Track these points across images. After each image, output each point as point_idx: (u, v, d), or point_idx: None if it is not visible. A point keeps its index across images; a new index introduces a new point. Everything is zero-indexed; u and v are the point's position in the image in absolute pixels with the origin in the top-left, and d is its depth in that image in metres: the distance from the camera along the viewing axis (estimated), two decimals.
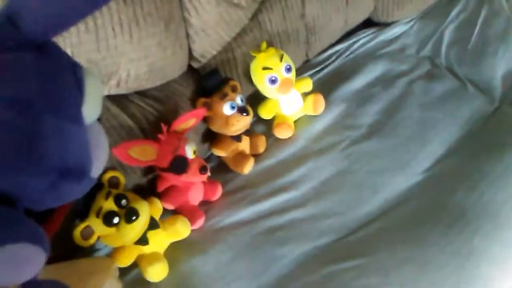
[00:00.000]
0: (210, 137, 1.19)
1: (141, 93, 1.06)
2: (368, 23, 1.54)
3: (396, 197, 1.10)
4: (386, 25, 1.54)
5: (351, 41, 1.49)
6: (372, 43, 1.49)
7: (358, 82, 1.35)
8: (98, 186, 0.95)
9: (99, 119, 0.64)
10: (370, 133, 1.22)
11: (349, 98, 1.32)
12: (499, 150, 1.14)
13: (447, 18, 1.52)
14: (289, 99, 1.21)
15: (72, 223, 0.94)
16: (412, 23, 1.55)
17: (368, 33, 1.52)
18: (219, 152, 1.16)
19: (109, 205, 0.90)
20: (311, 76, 1.38)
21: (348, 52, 1.46)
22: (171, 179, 1.03)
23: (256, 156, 1.20)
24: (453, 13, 1.53)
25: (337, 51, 1.47)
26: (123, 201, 0.92)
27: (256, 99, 1.24)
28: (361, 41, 1.49)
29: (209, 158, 1.24)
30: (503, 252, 0.98)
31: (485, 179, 1.08)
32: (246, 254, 1.02)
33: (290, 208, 1.10)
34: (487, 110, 1.26)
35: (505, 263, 0.98)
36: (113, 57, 0.91)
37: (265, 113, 1.22)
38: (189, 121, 1.04)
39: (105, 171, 0.97)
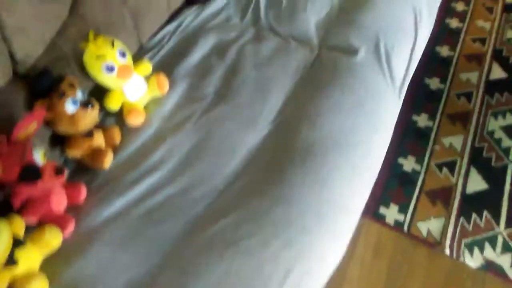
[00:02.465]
0: (60, 140, 1.13)
1: None
2: (191, 2, 1.60)
3: (252, 152, 1.21)
4: (207, 1, 1.62)
5: (179, 21, 1.54)
6: (198, 19, 1.56)
7: (195, 56, 1.42)
8: None
9: None
10: (217, 101, 1.30)
11: (190, 72, 1.37)
12: (326, 88, 1.32)
13: None
14: (132, 85, 1.21)
15: None
16: None
17: (192, 10, 1.59)
18: (74, 152, 1.11)
19: None
20: (148, 59, 1.39)
21: (178, 31, 1.51)
22: (26, 191, 0.96)
23: (114, 149, 1.18)
24: None
25: (168, 31, 1.51)
26: None
27: (99, 93, 1.21)
28: (188, 19, 1.55)
29: (65, 162, 1.17)
30: (350, 171, 1.15)
31: (321, 114, 1.25)
32: (126, 243, 1.02)
33: (159, 188, 1.12)
34: (310, 57, 1.44)
35: (354, 180, 1.15)
36: None
37: (112, 104, 1.20)
38: (30, 126, 0.98)
39: None
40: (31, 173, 0.93)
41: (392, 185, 1.75)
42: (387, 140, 1.30)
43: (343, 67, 1.39)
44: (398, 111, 1.40)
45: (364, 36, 1.47)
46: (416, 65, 1.54)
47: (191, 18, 1.55)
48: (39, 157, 0.95)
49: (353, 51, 1.43)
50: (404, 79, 1.45)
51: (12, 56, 1.04)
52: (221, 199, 1.10)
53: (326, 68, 1.40)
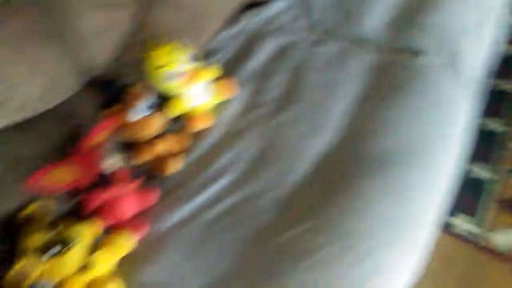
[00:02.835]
0: (127, 147, 1.14)
1: (41, 116, 0.98)
2: (251, 5, 1.59)
3: (320, 158, 1.17)
4: (265, 3, 1.60)
5: (238, 24, 1.52)
6: (259, 22, 1.54)
7: (257, 59, 1.40)
8: (19, 224, 0.87)
9: None
10: (281, 105, 1.27)
11: (253, 76, 1.36)
12: (396, 93, 1.26)
13: None
14: (198, 90, 1.21)
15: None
16: None
17: (252, 13, 1.57)
18: (140, 158, 1.12)
19: (43, 237, 0.83)
20: (211, 62, 1.39)
21: (240, 34, 1.50)
22: (101, 196, 0.98)
23: (180, 153, 1.18)
24: None
25: (230, 34, 1.50)
26: (58, 230, 0.85)
27: (165, 98, 1.21)
28: (248, 22, 1.53)
29: (134, 167, 1.18)
30: (425, 183, 1.09)
31: (391, 121, 1.19)
32: (196, 250, 1.01)
33: (227, 194, 1.11)
34: (375, 61, 1.37)
35: (428, 193, 1.09)
36: (6, 80, 0.83)
37: (178, 109, 1.20)
38: (102, 133, 0.99)
39: (26, 206, 0.89)
40: (105, 180, 0.94)
41: (464, 193, 1.65)
42: (462, 147, 1.22)
43: (411, 71, 1.31)
44: (471, 115, 1.31)
45: (432, 38, 1.39)
46: (487, 67, 1.45)
47: (252, 20, 1.54)
48: (112, 164, 0.96)
49: (421, 54, 1.35)
50: (476, 82, 1.36)
51: (83, 62, 1.06)
52: (290, 207, 1.07)
53: (393, 72, 1.33)
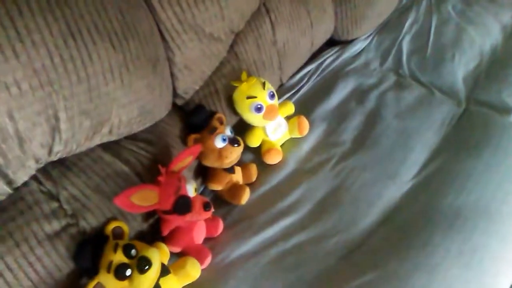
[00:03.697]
0: (202, 172, 1.17)
1: (132, 137, 1.03)
2: (330, 43, 1.60)
3: (391, 207, 1.14)
4: (347, 42, 1.61)
5: (318, 62, 1.54)
6: (338, 61, 1.55)
7: (333, 100, 1.40)
8: (102, 239, 0.91)
9: None
10: (355, 148, 1.27)
11: (328, 116, 1.36)
12: (476, 148, 1.22)
13: (402, 30, 1.62)
14: (274, 124, 1.23)
15: (79, 283, 0.89)
16: (371, 38, 1.63)
17: (332, 52, 1.58)
18: (215, 187, 1.15)
19: (119, 257, 0.86)
20: (287, 99, 1.41)
21: (318, 72, 1.51)
22: (176, 221, 1.00)
23: (250, 185, 1.20)
24: (407, 24, 1.64)
25: (308, 72, 1.51)
26: (133, 251, 0.88)
27: (240, 128, 1.25)
28: (327, 61, 1.55)
29: (202, 193, 1.22)
30: (502, 246, 1.04)
31: (470, 178, 1.15)
32: (259, 285, 1.01)
33: (292, 232, 1.10)
34: (457, 112, 1.35)
35: (505, 256, 1.04)
36: (106, 105, 0.89)
37: (253, 141, 1.23)
38: (186, 159, 1.02)
39: (107, 222, 0.93)
40: (185, 205, 0.96)
41: None
42: None
43: (495, 126, 1.28)
44: None
45: None
46: None
47: (330, 60, 1.55)
48: (191, 190, 0.98)
49: (507, 110, 1.31)
50: None
51: (174, 90, 1.11)
52: (356, 254, 1.05)
53: (475, 125, 1.30)
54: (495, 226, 1.07)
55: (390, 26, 1.66)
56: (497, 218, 1.08)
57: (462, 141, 1.25)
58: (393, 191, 1.17)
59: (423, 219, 1.09)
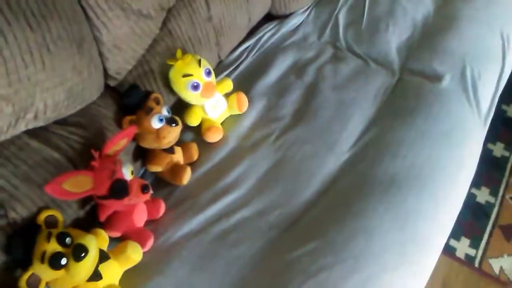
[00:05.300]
0: (141, 154, 1.15)
1: (61, 122, 0.99)
2: (268, 18, 1.59)
3: (330, 177, 1.17)
4: (285, 17, 1.61)
5: (257, 37, 1.53)
6: (276, 36, 1.54)
7: (273, 74, 1.40)
8: (34, 229, 0.87)
9: None
10: (295, 122, 1.28)
11: (268, 91, 1.36)
12: (409, 116, 1.27)
13: (338, 3, 1.64)
14: (213, 102, 1.22)
15: (13, 275, 0.86)
16: (308, 11, 1.63)
17: (270, 27, 1.57)
18: (155, 168, 1.13)
19: (53, 246, 0.83)
20: (226, 75, 1.39)
21: (256, 48, 1.50)
22: (113, 206, 0.98)
23: (191, 164, 1.19)
24: None
25: (246, 48, 1.50)
26: (67, 239, 0.85)
27: (179, 107, 1.22)
28: (266, 35, 1.54)
29: (143, 175, 1.19)
30: (434, 208, 1.10)
31: (403, 145, 1.20)
32: (203, 264, 1.02)
33: (235, 209, 1.11)
34: (391, 82, 1.39)
35: (438, 218, 1.09)
36: (27, 89, 0.84)
37: (192, 120, 1.21)
38: (120, 142, 0.99)
39: (39, 211, 0.90)
40: (122, 189, 0.94)
41: (464, 216, 1.66)
42: (471, 174, 1.24)
43: (426, 94, 1.33)
44: (483, 142, 1.32)
45: (450, 62, 1.40)
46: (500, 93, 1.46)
47: (268, 35, 1.54)
48: (127, 173, 0.96)
49: (438, 78, 1.36)
50: (489, 108, 1.38)
51: (105, 70, 1.07)
52: (298, 225, 1.08)
53: (408, 94, 1.34)
54: (427, 190, 1.12)
55: None
56: (430, 182, 1.13)
57: (396, 110, 1.29)
58: (332, 161, 1.19)
59: (360, 187, 1.13)
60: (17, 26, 0.80)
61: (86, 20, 0.97)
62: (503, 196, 1.73)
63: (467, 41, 1.47)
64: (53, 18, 0.85)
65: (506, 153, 1.85)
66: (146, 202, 1.07)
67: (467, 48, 1.45)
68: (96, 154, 0.93)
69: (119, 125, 1.07)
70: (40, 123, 0.93)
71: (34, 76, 0.84)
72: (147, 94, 1.12)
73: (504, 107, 1.99)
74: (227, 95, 1.27)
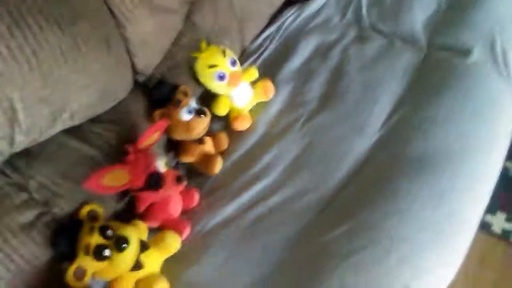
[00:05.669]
0: (172, 146, 1.18)
1: (96, 120, 1.02)
2: (289, 3, 1.58)
3: (360, 160, 1.17)
4: (306, 1, 1.59)
5: (279, 23, 1.52)
6: (298, 20, 1.53)
7: (297, 60, 1.40)
8: (77, 223, 0.91)
9: None
10: (322, 106, 1.28)
11: (293, 77, 1.36)
12: (438, 93, 1.24)
13: None
14: (239, 91, 1.23)
15: (60, 267, 0.90)
16: None
17: (292, 11, 1.56)
18: (187, 159, 1.15)
19: (96, 239, 0.87)
20: (251, 63, 1.40)
21: (279, 34, 1.50)
22: (150, 197, 1.01)
23: (222, 153, 1.21)
24: None
25: (269, 35, 1.50)
26: (109, 232, 0.89)
27: (206, 98, 1.24)
28: (288, 21, 1.53)
29: (176, 166, 1.22)
30: (468, 184, 1.08)
31: (433, 123, 1.18)
32: (239, 250, 1.04)
33: (268, 195, 1.12)
34: (418, 58, 1.37)
35: (473, 194, 1.08)
36: (62, 90, 0.87)
37: (220, 109, 1.23)
38: (153, 135, 1.02)
39: (80, 206, 0.94)
40: (157, 181, 0.97)
41: (499, 190, 1.63)
42: (506, 146, 1.21)
43: (455, 69, 1.30)
44: None
45: (478, 34, 1.37)
46: None
47: (291, 19, 1.53)
48: (162, 165, 0.99)
49: (466, 52, 1.33)
50: None
51: (133, 67, 1.09)
52: (331, 208, 1.09)
53: (436, 70, 1.32)
54: (461, 167, 1.11)
55: None
56: (461, 159, 1.12)
57: (425, 87, 1.27)
58: (361, 144, 1.19)
59: (391, 168, 1.12)
60: (49, 30, 0.83)
61: (113, 19, 0.99)
62: None
63: (494, 13, 1.42)
64: (82, 21, 0.88)
65: None
66: (180, 193, 1.09)
67: (495, 20, 1.40)
68: (130, 149, 0.96)
69: (150, 119, 1.10)
70: (76, 122, 0.97)
71: (68, 77, 0.87)
72: (175, 87, 1.14)
73: None
74: (253, 83, 1.28)
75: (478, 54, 1.33)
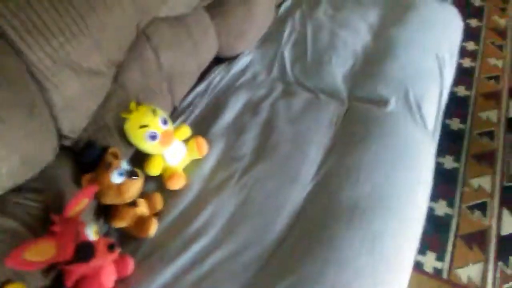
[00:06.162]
0: (104, 211, 1.12)
1: (17, 189, 0.95)
2: (217, 60, 1.63)
3: (297, 210, 1.19)
4: (233, 58, 1.65)
5: (208, 80, 1.56)
6: (227, 78, 1.58)
7: (228, 116, 1.43)
8: None
9: None
10: (255, 159, 1.30)
11: (225, 132, 1.38)
12: (363, 141, 1.32)
13: (282, 41, 1.71)
14: (172, 149, 1.22)
15: None
16: (254, 51, 1.69)
17: (220, 69, 1.61)
18: (119, 224, 1.10)
19: None
20: (182, 121, 1.40)
21: (209, 91, 1.53)
22: (80, 269, 0.94)
23: (157, 215, 1.17)
24: (285, 34, 1.73)
25: (199, 92, 1.52)
26: None
27: (138, 158, 1.21)
28: (217, 78, 1.57)
29: (108, 232, 1.16)
30: (399, 225, 1.14)
31: (361, 170, 1.24)
32: None
33: (207, 254, 1.10)
34: (341, 110, 1.45)
35: (404, 233, 1.13)
36: None
37: (153, 169, 1.20)
38: (81, 202, 0.97)
39: (1, 286, 0.85)
40: (86, 252, 0.91)
41: (427, 231, 1.72)
42: (429, 188, 1.29)
43: (375, 119, 1.40)
44: (434, 157, 1.40)
45: (393, 86, 1.49)
46: (443, 108, 1.56)
47: (220, 77, 1.58)
48: (91, 233, 0.93)
49: (384, 102, 1.44)
50: (435, 125, 1.47)
51: (58, 131, 1.05)
52: (272, 262, 1.08)
53: (358, 120, 1.41)
54: (390, 210, 1.17)
55: (271, 37, 1.73)
56: (391, 203, 1.18)
57: (350, 136, 1.35)
58: (297, 194, 1.22)
59: (326, 216, 1.16)
60: None
61: (36, 84, 0.95)
62: (459, 206, 1.81)
63: (405, 65, 1.57)
64: (1, 87, 0.84)
65: (456, 165, 1.95)
66: (114, 261, 1.03)
67: (407, 72, 1.54)
68: (56, 218, 0.90)
69: (79, 184, 1.05)
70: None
71: None
72: (104, 149, 1.11)
73: (447, 121, 2.10)
74: (185, 141, 1.27)
75: (394, 104, 1.44)
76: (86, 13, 1.00)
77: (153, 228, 1.12)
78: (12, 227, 0.91)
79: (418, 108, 1.44)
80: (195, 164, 1.29)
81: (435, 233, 1.72)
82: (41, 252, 0.88)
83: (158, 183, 1.24)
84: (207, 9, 1.53)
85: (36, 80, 0.95)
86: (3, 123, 0.83)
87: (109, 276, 1.01)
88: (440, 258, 1.66)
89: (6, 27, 0.89)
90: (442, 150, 1.97)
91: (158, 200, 1.19)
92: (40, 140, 0.94)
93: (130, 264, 1.06)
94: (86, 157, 1.07)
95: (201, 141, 1.27)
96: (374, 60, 1.59)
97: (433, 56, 1.61)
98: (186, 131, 1.28)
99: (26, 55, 0.93)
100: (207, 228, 1.14)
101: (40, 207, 0.96)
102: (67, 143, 1.10)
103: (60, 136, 1.06)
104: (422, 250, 1.66)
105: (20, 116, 0.88)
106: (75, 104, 1.05)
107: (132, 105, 1.14)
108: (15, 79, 0.88)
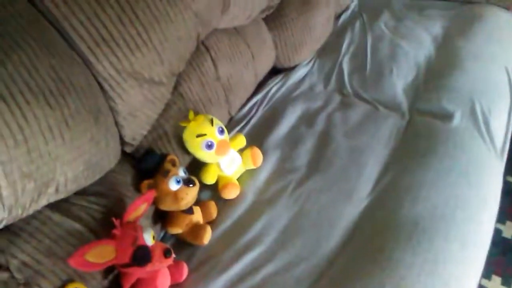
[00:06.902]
0: (160, 217, 1.15)
1: (81, 192, 1.00)
2: (274, 71, 1.64)
3: (352, 226, 1.16)
4: (290, 69, 1.65)
5: (265, 91, 1.57)
6: (283, 89, 1.58)
7: (283, 127, 1.42)
8: None
9: None
10: (310, 171, 1.28)
11: (280, 143, 1.37)
12: (424, 157, 1.26)
13: (340, 52, 1.69)
14: (228, 159, 1.23)
15: None
16: (312, 62, 1.68)
17: (277, 80, 1.62)
18: (175, 230, 1.12)
19: None
20: (238, 131, 1.42)
21: (265, 101, 1.54)
22: (136, 273, 0.97)
23: (211, 223, 1.18)
24: (344, 46, 1.71)
25: (255, 102, 1.53)
26: None
27: (195, 166, 1.24)
28: (273, 89, 1.58)
29: (164, 238, 1.19)
30: (461, 249, 1.07)
31: (422, 187, 1.18)
32: None
33: (259, 265, 1.09)
34: (402, 124, 1.40)
35: (467, 258, 1.06)
36: (48, 164, 0.86)
37: (208, 178, 1.22)
38: (140, 207, 1.00)
39: (64, 285, 0.89)
40: (144, 256, 0.93)
41: (493, 254, 1.61)
42: (495, 211, 1.21)
43: (439, 134, 1.33)
44: (502, 177, 1.31)
45: (458, 100, 1.42)
46: None
47: (276, 87, 1.58)
48: (149, 238, 0.96)
49: (448, 116, 1.37)
50: (504, 142, 1.37)
51: (121, 138, 1.09)
52: (324, 278, 1.05)
53: (420, 135, 1.35)
54: (452, 231, 1.10)
55: (329, 48, 1.72)
56: (454, 223, 1.11)
57: (411, 151, 1.29)
58: (352, 209, 1.18)
59: (383, 234, 1.11)
60: (36, 104, 0.83)
61: (102, 92, 1.00)
62: None
63: (472, 78, 1.49)
64: (70, 95, 0.89)
65: None
66: (168, 266, 1.05)
67: (474, 85, 1.46)
68: (117, 222, 0.93)
69: (138, 190, 1.08)
70: (61, 195, 0.94)
71: (55, 151, 0.86)
72: (163, 157, 1.14)
73: None
74: (241, 151, 1.28)
75: (459, 119, 1.37)
76: (150, 25, 1.04)
77: (208, 236, 1.13)
78: (77, 229, 0.95)
79: (485, 123, 1.36)
80: (249, 174, 1.29)
81: (501, 257, 1.61)
82: (101, 254, 0.91)
83: (213, 192, 1.26)
84: (265, 21, 1.55)
85: (102, 88, 1.00)
86: (70, 129, 0.87)
87: (164, 281, 1.03)
88: (506, 283, 1.54)
89: (76, 38, 0.95)
90: (511, 169, 1.85)
91: (213, 209, 1.21)
92: (103, 145, 0.99)
93: (185, 270, 1.08)
94: (145, 163, 1.11)
95: (256, 151, 1.28)
96: (438, 72, 1.53)
97: (502, 68, 1.52)
98: (241, 140, 1.29)
99: (93, 64, 0.98)
100: (260, 239, 1.14)
101: (102, 211, 1.00)
102: (128, 149, 1.15)
103: (122, 143, 1.11)
104: (486, 274, 1.56)
105: (86, 122, 0.92)
106: (137, 113, 1.09)
107: (191, 114, 1.16)
108: (83, 87, 0.93)
